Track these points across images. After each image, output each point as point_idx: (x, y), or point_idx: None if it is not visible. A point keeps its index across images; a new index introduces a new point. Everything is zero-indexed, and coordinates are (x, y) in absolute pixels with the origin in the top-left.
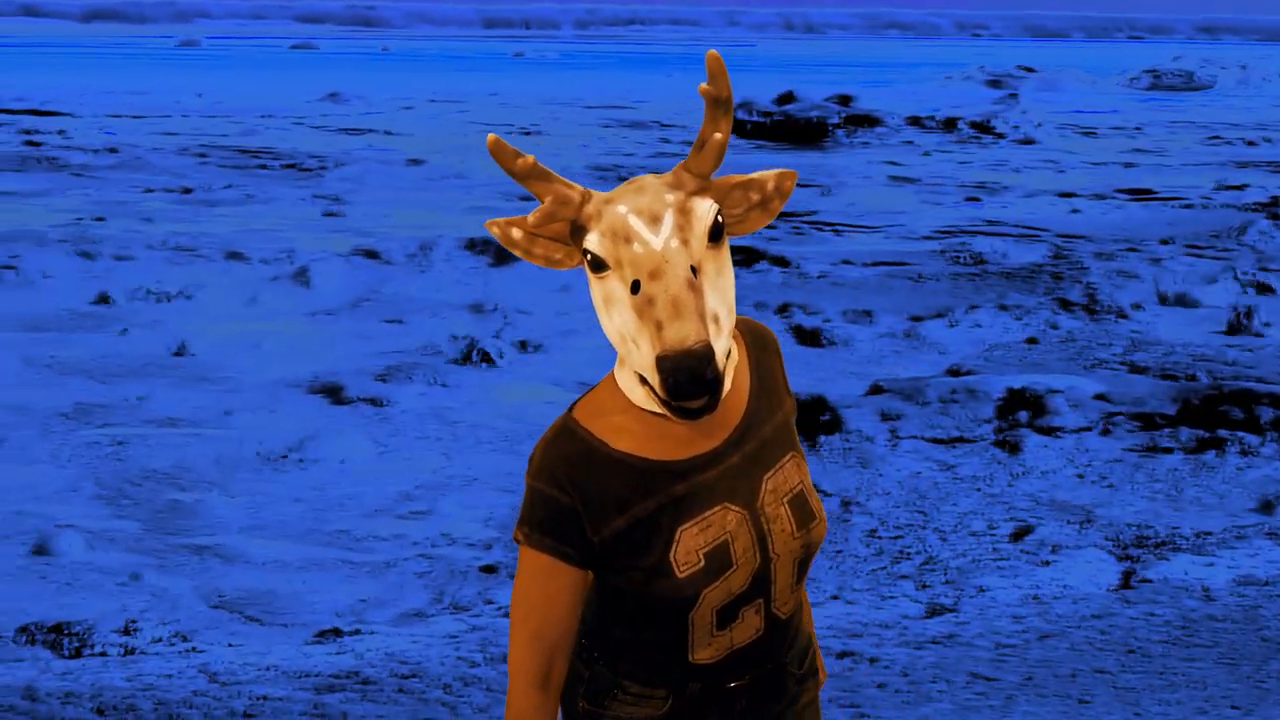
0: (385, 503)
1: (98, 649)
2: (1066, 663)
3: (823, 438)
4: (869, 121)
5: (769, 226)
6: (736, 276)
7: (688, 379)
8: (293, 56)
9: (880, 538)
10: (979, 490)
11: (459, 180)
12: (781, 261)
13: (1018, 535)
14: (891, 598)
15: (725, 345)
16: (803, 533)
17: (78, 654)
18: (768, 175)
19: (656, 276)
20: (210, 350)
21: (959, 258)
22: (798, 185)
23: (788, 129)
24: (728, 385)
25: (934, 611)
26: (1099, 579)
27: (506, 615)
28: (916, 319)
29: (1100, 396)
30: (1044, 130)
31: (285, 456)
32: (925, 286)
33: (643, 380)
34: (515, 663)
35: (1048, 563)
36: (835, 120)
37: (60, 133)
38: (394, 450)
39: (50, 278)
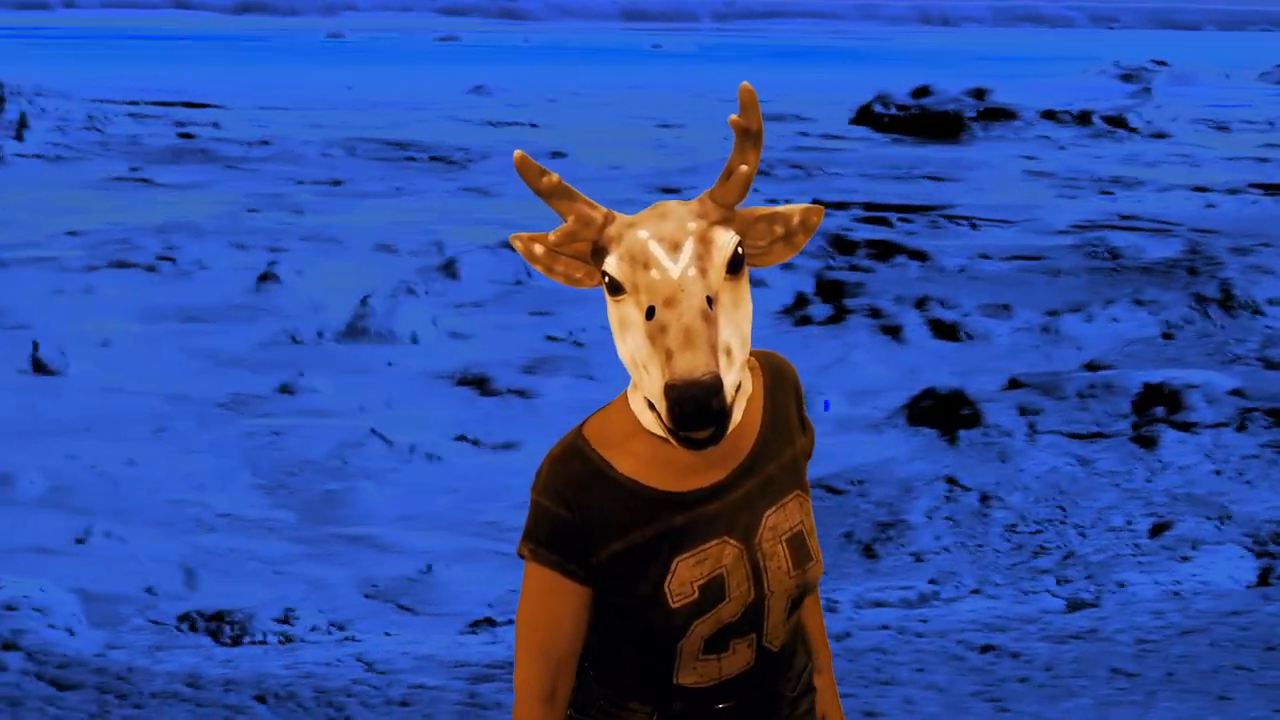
0: None
1: (257, 637)
2: (1207, 659)
3: (962, 432)
4: (1004, 115)
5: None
6: (874, 271)
7: (694, 409)
8: (437, 49)
9: (1020, 532)
10: (1117, 486)
11: (602, 171)
12: (919, 255)
13: (1157, 531)
14: (1032, 592)
15: (735, 378)
16: (798, 572)
17: (238, 641)
18: (794, 209)
19: (671, 304)
20: (361, 342)
21: (1095, 252)
22: (935, 179)
23: (924, 122)
24: (737, 417)
25: (1075, 606)
26: (1237, 575)
27: None
28: (1053, 313)
29: (1236, 392)
30: (1177, 124)
31: (431, 450)
32: (1062, 281)
33: (651, 406)
34: (521, 679)
35: (1187, 558)
36: (971, 114)
37: (214, 125)
38: (541, 442)
39: (207, 269)
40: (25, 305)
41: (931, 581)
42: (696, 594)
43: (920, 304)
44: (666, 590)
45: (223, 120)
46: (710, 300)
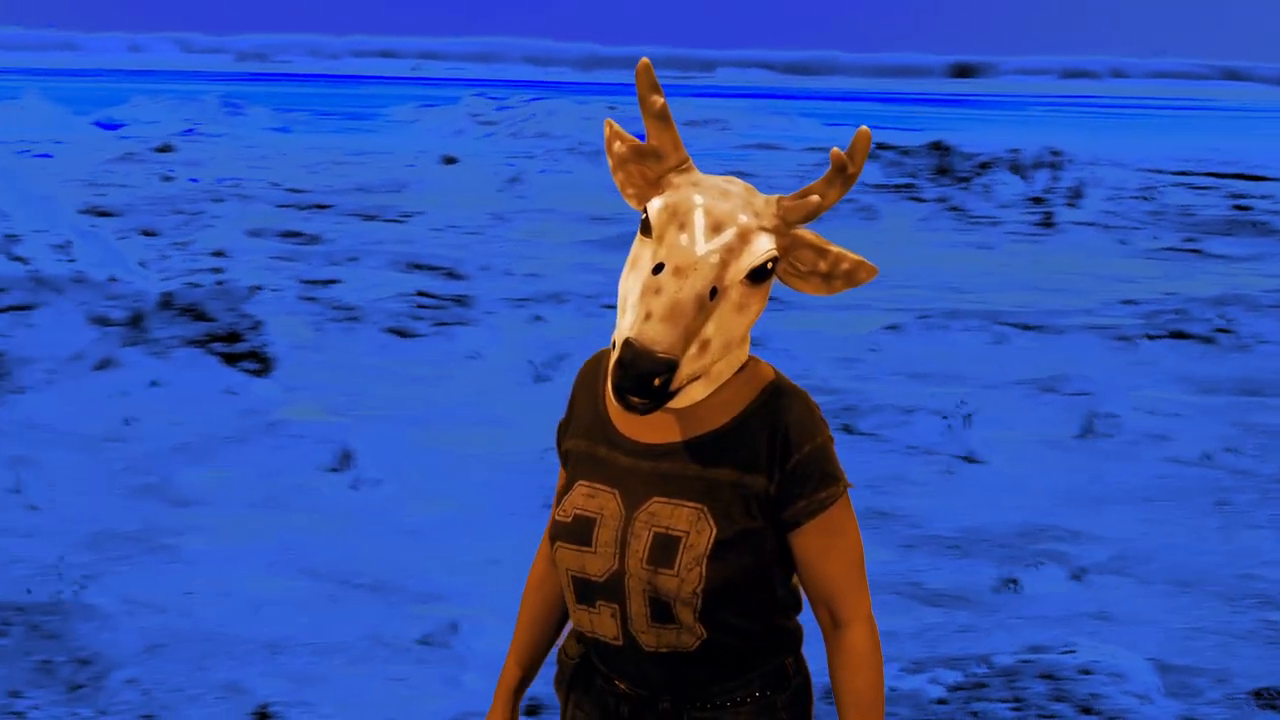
0: None
1: None
2: None
3: None
4: None
5: None
6: None
7: (636, 377)
8: None
9: None
10: None
11: None
12: None
13: None
14: None
15: (696, 370)
16: (650, 569)
17: None
18: (847, 255)
19: (679, 274)
20: None
21: None
22: None
23: None
24: (691, 399)
25: None
26: None
27: None
28: None
29: None
30: None
31: None
32: None
33: (614, 344)
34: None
35: None
36: None
37: (1267, 197)
38: None
39: (1265, 343)
40: (1085, 371)
41: None
42: (570, 519)
43: None
44: (563, 499)
45: (1278, 193)
46: (715, 291)
